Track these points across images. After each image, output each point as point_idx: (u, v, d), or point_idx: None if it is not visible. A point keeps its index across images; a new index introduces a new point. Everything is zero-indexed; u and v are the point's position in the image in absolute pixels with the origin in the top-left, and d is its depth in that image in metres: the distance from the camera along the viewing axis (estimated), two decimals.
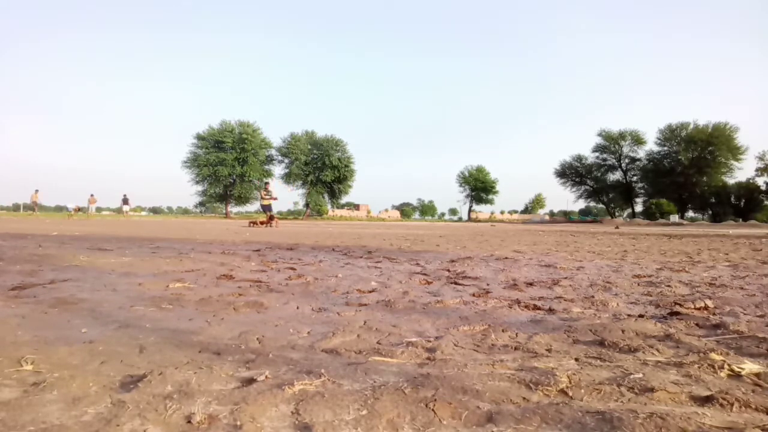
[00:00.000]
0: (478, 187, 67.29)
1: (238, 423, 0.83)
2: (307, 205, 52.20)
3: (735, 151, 49.51)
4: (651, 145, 54.86)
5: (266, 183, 21.75)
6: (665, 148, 53.67)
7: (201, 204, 51.90)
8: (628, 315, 1.87)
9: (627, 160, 56.66)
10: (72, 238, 6.67)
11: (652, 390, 1.00)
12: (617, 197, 59.69)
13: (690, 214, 57.54)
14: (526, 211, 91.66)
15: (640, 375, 1.11)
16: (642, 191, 58.16)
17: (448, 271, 3.35)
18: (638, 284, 2.79)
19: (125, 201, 31.18)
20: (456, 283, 2.70)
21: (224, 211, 48.82)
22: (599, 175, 58.52)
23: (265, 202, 16.52)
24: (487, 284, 2.70)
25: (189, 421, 0.83)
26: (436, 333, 1.55)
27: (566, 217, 74.76)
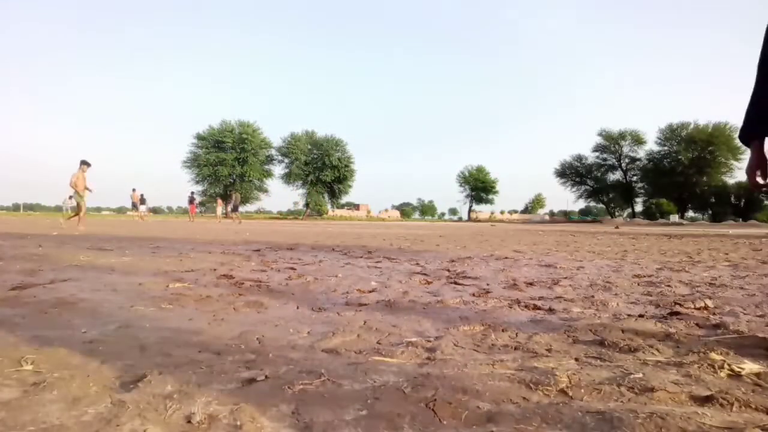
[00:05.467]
0: (478, 187, 67.27)
1: (238, 423, 0.83)
2: (307, 205, 52.13)
3: (735, 151, 49.43)
4: (651, 145, 54.80)
5: None
6: (665, 148, 53.61)
7: (201, 204, 51.87)
8: (628, 315, 1.87)
9: (627, 160, 56.59)
10: (72, 237, 6.68)
11: (652, 390, 1.00)
12: (617, 197, 59.62)
13: (690, 214, 57.54)
14: (526, 211, 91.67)
15: (640, 375, 1.11)
16: (642, 191, 58.10)
17: (448, 270, 3.35)
18: (638, 284, 2.79)
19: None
20: (456, 283, 2.70)
21: (224, 211, 48.84)
22: (599, 175, 58.46)
23: None
24: (487, 284, 2.70)
25: (189, 421, 0.83)
26: (436, 333, 1.55)
27: (566, 217, 74.73)
